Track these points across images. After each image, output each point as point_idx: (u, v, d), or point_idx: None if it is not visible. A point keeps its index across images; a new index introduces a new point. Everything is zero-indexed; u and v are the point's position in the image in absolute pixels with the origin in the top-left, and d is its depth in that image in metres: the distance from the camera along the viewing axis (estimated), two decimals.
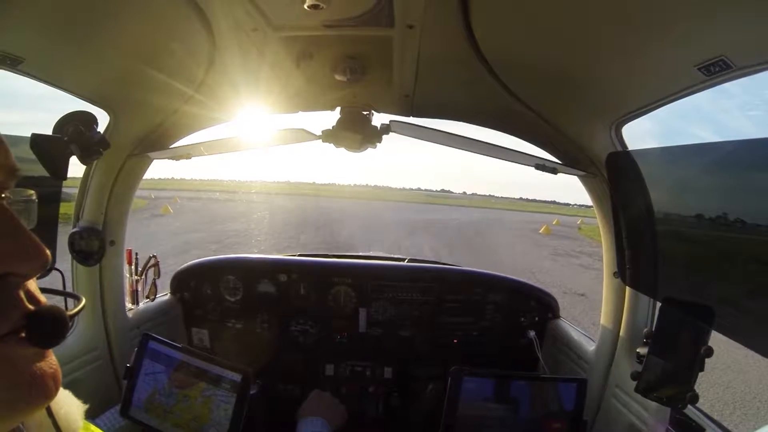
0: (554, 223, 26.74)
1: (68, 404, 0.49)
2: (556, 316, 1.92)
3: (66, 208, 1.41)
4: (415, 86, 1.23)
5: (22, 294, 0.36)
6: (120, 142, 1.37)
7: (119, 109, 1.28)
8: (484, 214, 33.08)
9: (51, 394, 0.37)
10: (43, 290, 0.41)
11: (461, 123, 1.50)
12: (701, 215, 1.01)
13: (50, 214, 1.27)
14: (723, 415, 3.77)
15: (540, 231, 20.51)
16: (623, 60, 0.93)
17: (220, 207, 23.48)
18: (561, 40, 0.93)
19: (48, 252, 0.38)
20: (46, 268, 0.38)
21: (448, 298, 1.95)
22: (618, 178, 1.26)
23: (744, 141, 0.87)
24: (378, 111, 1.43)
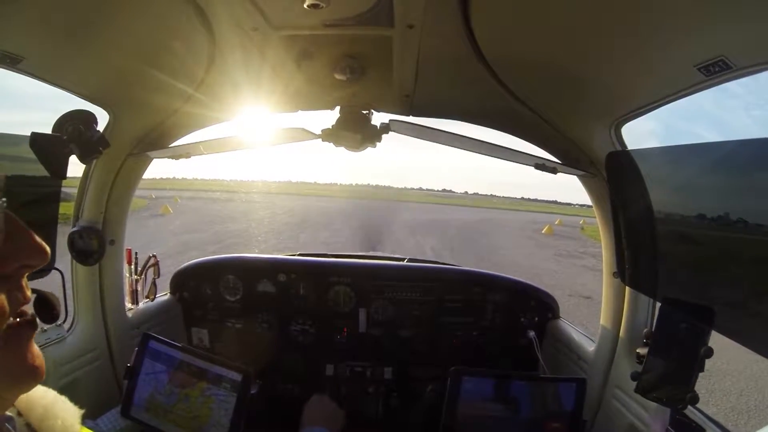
0: (556, 222, 26.69)
1: (64, 411, 0.51)
2: (556, 316, 1.92)
3: (66, 208, 1.41)
4: (415, 86, 1.22)
5: (23, 282, 0.43)
6: (120, 142, 1.37)
7: (119, 108, 1.28)
8: (486, 214, 33.02)
9: (42, 377, 0.43)
10: None
11: (461, 122, 1.50)
12: (702, 215, 1.01)
13: (50, 214, 1.27)
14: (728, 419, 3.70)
15: (542, 231, 20.48)
16: (623, 60, 0.93)
17: (221, 207, 23.46)
18: (561, 40, 0.92)
19: (46, 246, 0.42)
20: (47, 261, 0.42)
21: (447, 298, 1.95)
22: (617, 178, 1.26)
23: (745, 141, 0.87)
24: (378, 110, 1.42)
